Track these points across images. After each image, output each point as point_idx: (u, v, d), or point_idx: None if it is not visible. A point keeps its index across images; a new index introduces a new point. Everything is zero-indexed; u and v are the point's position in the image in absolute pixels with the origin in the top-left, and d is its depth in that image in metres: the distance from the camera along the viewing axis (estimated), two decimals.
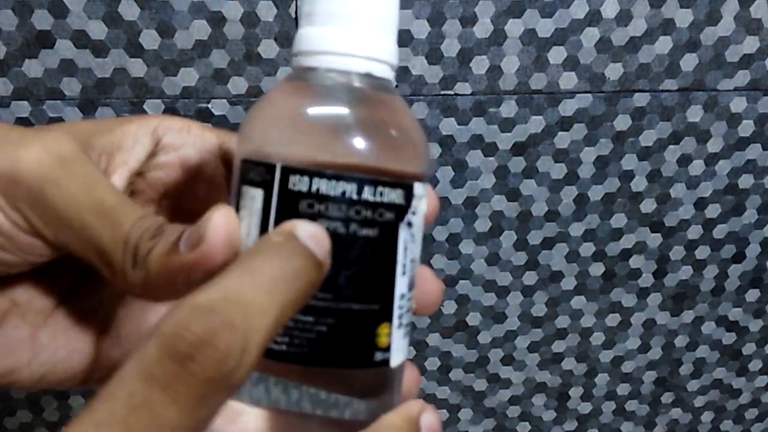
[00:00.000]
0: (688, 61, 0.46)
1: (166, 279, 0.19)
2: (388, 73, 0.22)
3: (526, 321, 0.53)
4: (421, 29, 0.44)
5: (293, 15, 0.43)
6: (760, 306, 0.55)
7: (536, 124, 0.47)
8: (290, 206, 0.20)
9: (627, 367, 0.55)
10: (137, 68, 0.44)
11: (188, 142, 0.25)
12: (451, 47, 0.44)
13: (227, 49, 0.43)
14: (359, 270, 0.21)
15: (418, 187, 0.22)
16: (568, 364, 0.55)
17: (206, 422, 0.17)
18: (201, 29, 0.43)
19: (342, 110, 0.21)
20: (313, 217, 0.20)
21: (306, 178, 0.20)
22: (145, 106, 0.44)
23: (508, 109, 0.46)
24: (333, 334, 0.20)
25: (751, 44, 0.46)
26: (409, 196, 0.21)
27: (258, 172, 0.21)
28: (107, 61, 0.43)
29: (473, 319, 0.52)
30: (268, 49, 0.44)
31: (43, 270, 0.24)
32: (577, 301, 0.53)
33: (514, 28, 0.44)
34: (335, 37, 0.21)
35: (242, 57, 0.44)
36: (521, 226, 0.50)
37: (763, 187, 0.50)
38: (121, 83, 0.44)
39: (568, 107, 0.47)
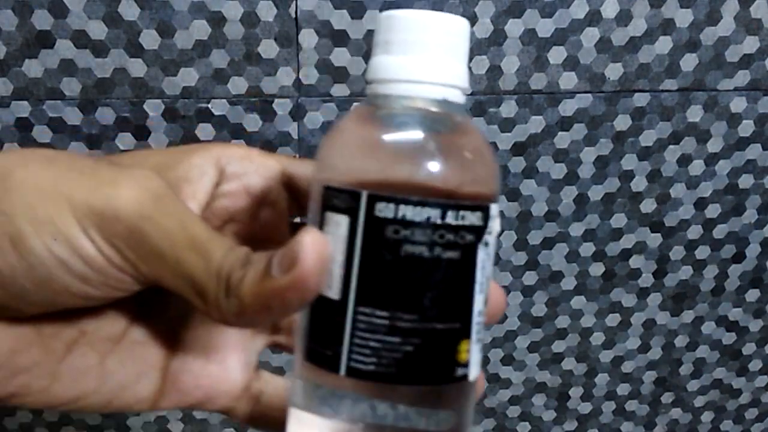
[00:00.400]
0: (688, 61, 0.46)
1: (261, 305, 0.20)
2: (461, 98, 0.23)
3: (526, 321, 0.53)
4: None
5: (293, 15, 0.43)
6: (760, 306, 0.55)
7: (536, 124, 0.47)
8: (376, 232, 0.21)
9: (627, 367, 0.55)
10: (137, 68, 0.44)
11: (251, 169, 0.26)
12: None
13: (227, 49, 0.43)
14: (442, 291, 0.21)
15: (493, 208, 0.23)
16: (568, 364, 0.55)
17: None
18: (201, 29, 0.43)
19: (421, 136, 0.22)
20: (399, 244, 0.21)
21: (392, 205, 0.21)
22: (145, 106, 0.44)
23: (508, 109, 0.46)
24: (418, 353, 0.21)
25: (751, 44, 0.46)
26: (486, 217, 0.22)
27: (342, 199, 0.21)
28: (107, 61, 0.43)
29: None
30: (268, 49, 0.44)
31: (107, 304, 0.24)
32: (577, 301, 0.53)
33: (514, 28, 0.44)
34: (411, 65, 0.22)
35: (242, 57, 0.44)
36: (521, 226, 0.50)
37: (763, 187, 0.50)
38: (121, 83, 0.44)
39: (568, 107, 0.47)
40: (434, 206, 0.21)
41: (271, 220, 0.27)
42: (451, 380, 0.22)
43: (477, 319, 0.23)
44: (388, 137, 0.22)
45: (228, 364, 0.27)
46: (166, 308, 0.26)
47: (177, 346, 0.26)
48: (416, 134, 0.22)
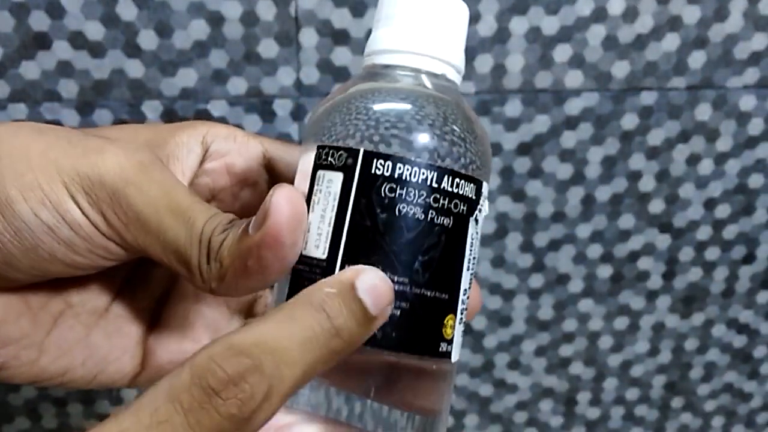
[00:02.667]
0: (696, 59, 0.46)
1: (239, 267, 0.20)
2: (457, 78, 0.24)
3: (533, 325, 0.52)
4: None
5: (293, 14, 0.42)
6: None
7: (542, 123, 0.46)
8: (371, 189, 0.21)
9: (636, 371, 0.55)
10: (135, 69, 0.43)
11: (234, 149, 0.27)
12: None
13: (226, 50, 0.43)
14: (434, 257, 0.21)
15: (486, 187, 0.23)
16: (576, 368, 0.54)
17: None
18: (200, 29, 0.42)
19: (416, 108, 0.22)
20: (395, 201, 0.21)
21: (389, 163, 0.21)
22: (143, 108, 0.44)
23: (513, 108, 0.46)
24: (405, 319, 0.21)
25: (760, 41, 0.46)
26: (479, 192, 0.23)
27: (338, 156, 0.21)
28: (105, 62, 0.43)
29: (478, 322, 0.52)
30: (267, 49, 0.43)
31: (93, 275, 0.25)
32: (585, 304, 0.52)
33: (518, 25, 0.44)
34: (411, 37, 0.23)
35: (242, 57, 0.43)
36: (527, 228, 0.49)
37: None
38: (119, 84, 0.43)
39: (574, 106, 0.46)
40: (431, 169, 0.21)
41: (251, 200, 0.27)
42: (435, 354, 0.22)
43: (463, 297, 0.23)
44: (385, 106, 0.22)
45: (202, 342, 0.27)
46: (148, 284, 0.27)
47: (156, 323, 0.27)
48: (410, 105, 0.22)
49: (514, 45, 0.44)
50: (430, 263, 0.21)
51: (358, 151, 0.21)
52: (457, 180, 0.22)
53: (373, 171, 0.21)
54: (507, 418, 0.55)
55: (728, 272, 0.52)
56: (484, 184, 0.23)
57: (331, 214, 0.21)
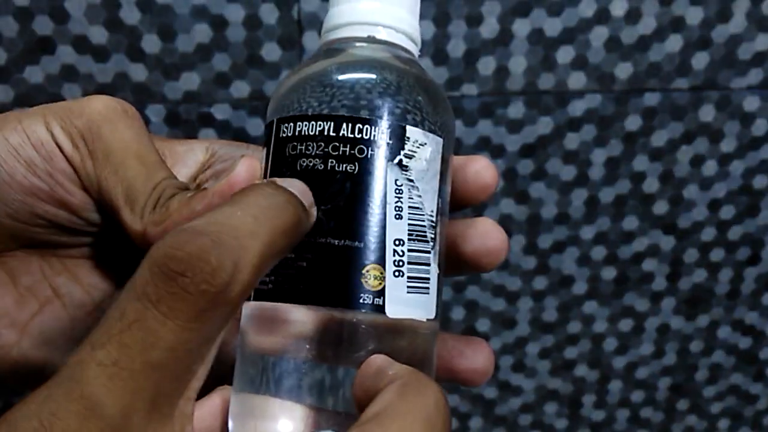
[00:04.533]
0: (700, 60, 0.45)
1: (185, 215, 0.21)
2: (400, 40, 0.24)
3: (537, 327, 0.52)
4: (426, 30, 0.43)
5: (296, 17, 0.42)
6: None
7: (545, 125, 0.46)
8: (280, 152, 0.22)
9: (641, 373, 0.54)
10: (139, 73, 0.43)
11: (247, 153, 0.27)
12: (457, 48, 0.44)
13: (229, 53, 0.43)
14: (338, 205, 0.21)
15: (416, 132, 0.22)
16: (581, 370, 0.54)
17: (208, 342, 0.18)
18: (203, 33, 0.42)
19: (333, 64, 0.23)
20: (296, 158, 0.21)
21: (291, 124, 0.22)
22: (147, 112, 0.44)
23: (516, 110, 0.46)
24: (312, 269, 0.21)
25: (763, 42, 0.46)
26: (399, 136, 0.22)
27: (266, 133, 0.23)
28: (108, 66, 0.43)
29: (482, 325, 0.52)
30: (270, 52, 0.43)
31: (86, 268, 0.25)
32: (589, 306, 0.52)
33: (521, 27, 0.44)
34: (347, 10, 0.23)
35: (244, 60, 0.43)
36: (531, 230, 0.49)
37: None
38: (122, 88, 0.43)
39: (577, 108, 0.46)
40: (328, 119, 0.21)
41: None
42: (354, 305, 0.21)
43: (396, 247, 0.22)
44: (302, 71, 0.23)
45: None
46: None
47: None
48: (326, 63, 0.23)
49: (516, 47, 0.44)
50: (333, 211, 0.21)
51: (273, 120, 0.22)
52: (359, 125, 0.21)
53: (281, 135, 0.22)
54: (512, 420, 0.55)
55: (733, 273, 0.52)
56: (412, 128, 0.22)
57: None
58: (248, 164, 0.21)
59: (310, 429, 0.20)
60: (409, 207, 0.22)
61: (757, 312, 0.53)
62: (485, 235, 0.25)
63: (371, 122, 0.22)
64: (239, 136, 0.45)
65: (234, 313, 0.18)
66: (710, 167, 0.48)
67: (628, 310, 0.52)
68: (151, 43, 0.42)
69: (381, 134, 0.22)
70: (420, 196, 0.22)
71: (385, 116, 0.22)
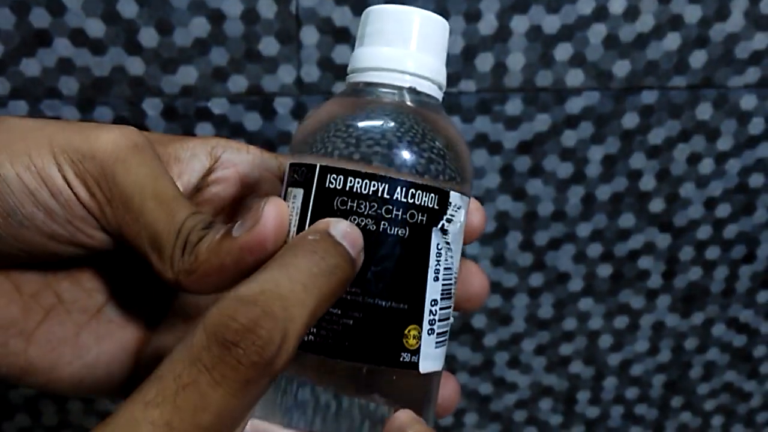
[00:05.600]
0: (697, 58, 0.45)
1: (215, 263, 0.21)
2: (434, 91, 0.24)
3: (533, 323, 0.52)
4: None
5: (294, 12, 0.42)
6: None
7: (542, 122, 0.46)
8: (326, 203, 0.21)
9: (636, 370, 0.55)
10: (136, 66, 0.43)
11: (247, 159, 0.27)
12: (454, 44, 0.44)
13: (227, 47, 0.43)
14: (387, 267, 0.22)
15: (456, 197, 0.23)
16: (576, 367, 0.54)
17: (249, 408, 0.19)
18: (200, 27, 0.42)
19: (382, 121, 0.22)
20: (346, 214, 0.21)
21: (341, 177, 0.21)
22: (143, 105, 0.44)
23: (514, 107, 0.46)
24: (358, 328, 0.21)
25: (761, 41, 0.46)
26: (444, 202, 0.22)
27: (301, 172, 0.22)
28: (105, 59, 0.43)
29: (478, 321, 0.52)
30: (268, 46, 0.43)
31: (88, 272, 0.25)
32: (585, 303, 0.52)
33: (519, 24, 0.44)
34: (382, 54, 0.23)
35: (242, 55, 0.43)
36: (527, 227, 0.49)
37: None
38: (119, 82, 0.43)
39: (574, 105, 0.46)
40: (383, 180, 0.21)
41: None
42: (394, 363, 0.22)
43: (431, 307, 0.22)
44: (346, 119, 0.23)
45: None
46: (145, 296, 0.27)
47: (153, 333, 0.27)
48: (374, 119, 0.23)
49: (514, 43, 0.44)
50: (383, 273, 0.21)
51: (315, 166, 0.22)
52: (412, 191, 0.22)
53: (327, 185, 0.22)
54: (506, 416, 0.55)
55: (728, 271, 0.52)
56: (454, 194, 0.23)
57: (293, 230, 0.22)
58: (275, 214, 0.21)
59: None
60: (445, 268, 0.23)
61: (752, 310, 0.54)
62: (467, 279, 0.26)
63: (425, 188, 0.22)
64: (236, 130, 0.45)
65: (274, 380, 0.19)
66: (707, 165, 0.49)
67: (623, 308, 0.52)
68: (148, 37, 0.42)
69: (431, 200, 0.22)
70: (452, 257, 0.23)
71: (437, 184, 0.22)
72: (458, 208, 0.23)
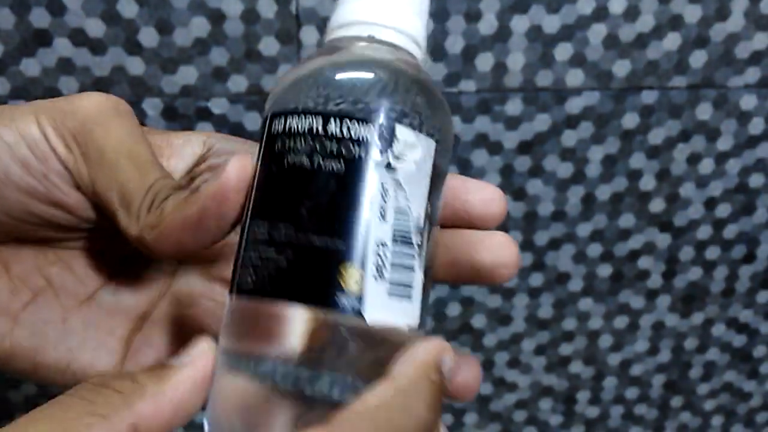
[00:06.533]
0: (698, 58, 0.45)
1: (180, 220, 0.21)
2: (406, 44, 0.23)
3: (533, 323, 0.52)
4: None
5: (294, 12, 0.42)
6: None
7: (542, 122, 0.46)
8: (270, 147, 0.21)
9: (636, 370, 0.55)
10: (136, 66, 0.43)
11: (242, 149, 0.27)
12: (455, 44, 0.44)
13: (227, 47, 0.43)
14: (320, 202, 0.21)
15: (406, 132, 0.21)
16: (576, 367, 0.54)
17: None
18: (200, 26, 0.42)
19: (326, 64, 0.22)
20: (283, 154, 0.21)
21: (282, 119, 0.21)
22: (143, 105, 0.44)
23: (514, 106, 0.46)
24: (292, 267, 0.21)
25: (761, 41, 0.46)
26: (386, 136, 0.21)
27: (260, 127, 0.22)
28: (105, 59, 0.43)
29: (478, 321, 0.52)
30: (268, 46, 0.43)
31: (78, 258, 0.26)
32: (585, 303, 0.52)
33: (519, 24, 0.44)
34: (351, 8, 0.23)
35: (242, 55, 0.43)
36: (527, 227, 0.49)
37: None
38: (119, 82, 0.43)
39: (574, 105, 0.46)
40: (317, 115, 0.21)
41: None
42: (327, 304, 0.20)
43: (378, 249, 0.21)
44: (300, 66, 0.23)
45: None
46: (137, 285, 0.27)
47: (143, 321, 0.27)
48: (322, 65, 0.22)
49: (515, 43, 0.44)
50: (316, 209, 0.21)
51: (267, 116, 0.22)
52: (347, 123, 0.21)
53: (272, 131, 0.22)
54: (506, 416, 0.55)
55: (728, 271, 0.52)
56: (402, 128, 0.21)
57: (252, 182, 0.22)
58: (239, 165, 0.21)
59: (287, 426, 0.20)
60: (395, 209, 0.21)
61: (752, 310, 0.54)
62: (500, 247, 0.24)
63: (360, 121, 0.21)
64: (236, 130, 0.45)
65: None
66: (707, 165, 0.49)
67: (623, 308, 0.52)
68: (148, 37, 0.42)
69: (370, 134, 0.21)
70: (407, 200, 0.22)
71: (376, 116, 0.21)
72: (412, 147, 0.22)
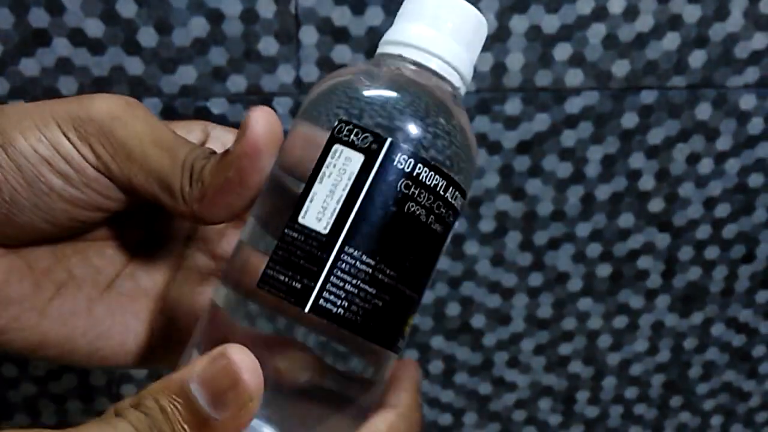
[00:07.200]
0: (697, 58, 0.45)
1: (220, 183, 0.22)
2: (461, 85, 0.24)
3: (532, 323, 0.52)
4: None
5: (293, 11, 0.42)
6: None
7: (541, 122, 0.46)
8: (390, 181, 0.21)
9: (635, 370, 0.55)
10: (135, 66, 0.43)
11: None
12: None
13: (226, 47, 0.43)
14: (420, 259, 0.22)
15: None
16: (575, 367, 0.54)
17: None
18: (199, 26, 0.42)
19: (427, 111, 0.23)
20: (405, 198, 0.21)
21: (411, 161, 0.21)
22: None
23: (513, 106, 0.46)
24: (384, 310, 0.22)
25: (760, 40, 0.45)
26: (463, 206, 0.23)
27: (362, 137, 0.21)
28: (104, 59, 0.43)
29: (477, 321, 0.52)
30: (267, 46, 0.43)
31: (93, 249, 0.27)
32: (584, 303, 0.52)
33: (518, 24, 0.44)
34: (423, 32, 0.23)
35: (241, 55, 0.43)
36: (527, 227, 0.49)
37: None
38: (118, 82, 0.43)
39: (574, 105, 0.46)
40: (445, 177, 0.22)
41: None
42: (393, 348, 0.23)
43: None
44: (401, 98, 0.22)
45: None
46: (154, 267, 0.28)
47: (166, 305, 0.28)
48: (434, 117, 0.23)
49: (514, 43, 0.44)
50: (416, 263, 0.22)
51: (386, 139, 0.21)
52: (456, 192, 0.22)
53: (395, 163, 0.21)
54: (506, 416, 0.55)
55: (728, 271, 0.52)
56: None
57: (342, 193, 0.21)
58: (261, 116, 0.22)
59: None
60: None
61: (751, 310, 0.54)
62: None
63: (461, 192, 0.23)
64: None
65: None
66: (706, 165, 0.49)
67: (622, 307, 0.52)
68: (147, 37, 0.42)
69: (460, 204, 0.23)
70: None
71: (465, 187, 0.23)
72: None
